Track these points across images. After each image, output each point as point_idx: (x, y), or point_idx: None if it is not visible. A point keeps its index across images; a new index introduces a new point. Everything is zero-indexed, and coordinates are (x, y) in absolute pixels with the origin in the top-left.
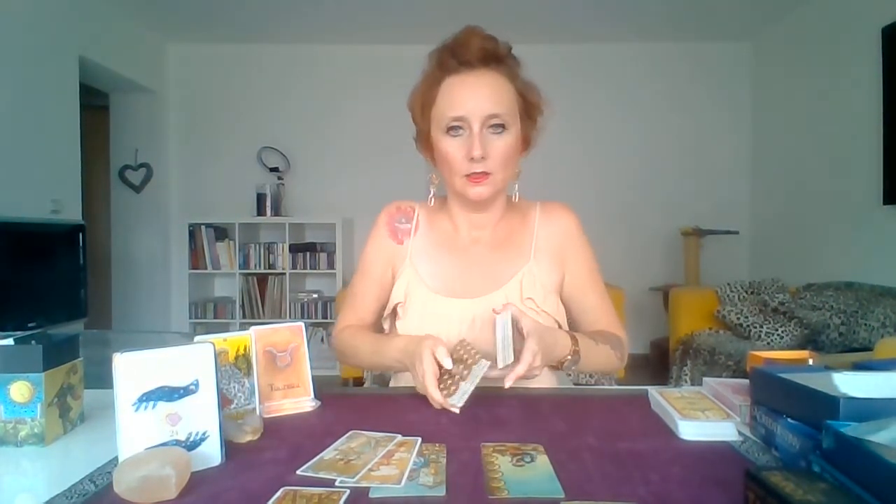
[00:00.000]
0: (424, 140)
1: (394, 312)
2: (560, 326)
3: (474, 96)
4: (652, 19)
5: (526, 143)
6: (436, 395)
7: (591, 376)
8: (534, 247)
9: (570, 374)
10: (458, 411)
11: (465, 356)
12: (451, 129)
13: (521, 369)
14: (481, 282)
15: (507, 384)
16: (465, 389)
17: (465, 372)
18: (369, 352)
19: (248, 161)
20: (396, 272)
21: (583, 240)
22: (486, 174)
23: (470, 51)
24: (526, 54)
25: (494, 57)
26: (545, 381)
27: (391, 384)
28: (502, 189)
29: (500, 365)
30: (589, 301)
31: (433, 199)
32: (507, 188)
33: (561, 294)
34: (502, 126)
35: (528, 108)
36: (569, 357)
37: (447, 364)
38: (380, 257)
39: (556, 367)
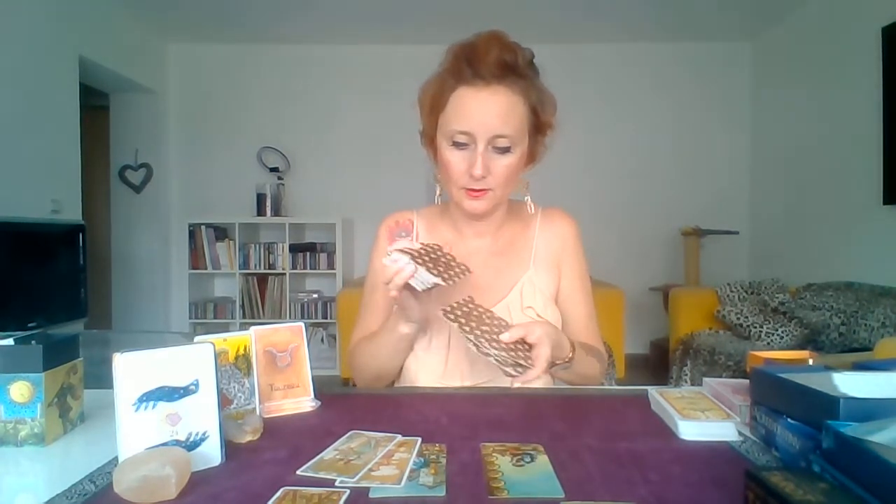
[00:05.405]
0: (429, 139)
1: None
2: None
3: (484, 113)
4: (652, 20)
5: (531, 157)
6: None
7: None
8: (533, 254)
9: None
10: (418, 288)
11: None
12: (456, 142)
13: (533, 374)
14: (483, 291)
15: (516, 385)
16: (423, 278)
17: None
18: (375, 341)
19: (248, 161)
20: None
21: (578, 249)
22: (485, 190)
23: (486, 64)
24: None
25: (512, 70)
26: (542, 380)
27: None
28: (502, 202)
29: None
30: (575, 312)
31: (439, 199)
32: (507, 199)
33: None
34: (508, 146)
35: (539, 126)
36: (569, 357)
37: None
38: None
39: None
